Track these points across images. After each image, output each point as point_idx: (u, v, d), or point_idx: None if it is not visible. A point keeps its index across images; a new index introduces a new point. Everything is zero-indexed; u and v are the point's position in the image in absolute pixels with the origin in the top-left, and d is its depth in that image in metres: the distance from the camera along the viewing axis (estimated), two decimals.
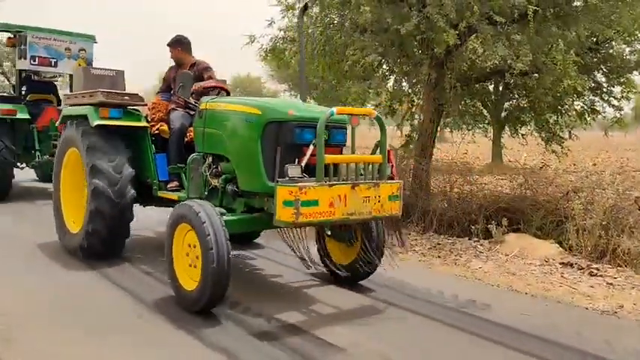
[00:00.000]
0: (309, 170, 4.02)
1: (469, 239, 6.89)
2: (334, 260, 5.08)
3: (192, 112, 5.38)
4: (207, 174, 4.82)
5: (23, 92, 9.59)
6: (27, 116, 8.99)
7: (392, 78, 8.99)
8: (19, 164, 9.42)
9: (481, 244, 6.66)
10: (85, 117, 5.50)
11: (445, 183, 8.12)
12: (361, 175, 4.25)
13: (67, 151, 5.94)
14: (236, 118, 4.55)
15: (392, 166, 4.52)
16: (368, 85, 8.20)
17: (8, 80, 19.88)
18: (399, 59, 8.28)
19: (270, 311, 4.21)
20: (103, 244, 5.40)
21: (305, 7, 5.50)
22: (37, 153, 9.18)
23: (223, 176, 4.72)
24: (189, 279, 4.11)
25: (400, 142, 8.87)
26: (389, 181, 4.32)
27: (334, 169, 4.06)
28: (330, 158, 4.01)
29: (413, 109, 8.97)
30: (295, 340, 3.69)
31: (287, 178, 3.91)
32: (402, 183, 4.49)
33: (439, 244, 6.75)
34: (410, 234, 7.15)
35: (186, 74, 5.41)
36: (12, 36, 9.58)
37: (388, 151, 4.48)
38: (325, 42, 8.18)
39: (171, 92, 5.88)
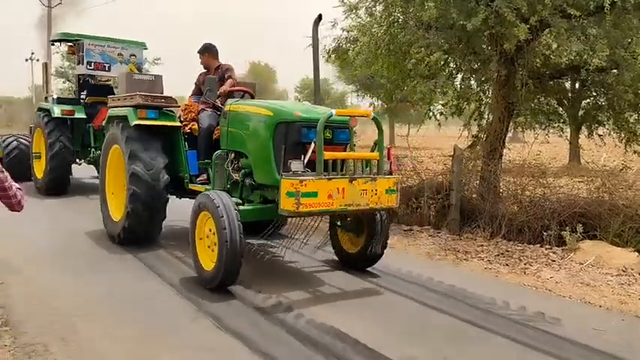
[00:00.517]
0: (326, 169, 4.47)
1: (540, 246, 6.48)
2: (344, 248, 5.60)
3: (219, 113, 5.83)
4: (230, 169, 5.34)
5: (83, 95, 10.20)
6: (84, 116, 9.77)
7: (459, 76, 8.66)
8: (77, 160, 10.20)
9: (553, 252, 6.24)
10: (125, 117, 6.12)
11: (516, 186, 7.70)
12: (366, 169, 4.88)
13: (111, 149, 6.55)
14: (253, 119, 5.12)
15: (391, 162, 4.99)
16: (434, 83, 7.92)
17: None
18: (465, 56, 7.97)
19: (285, 294, 4.67)
20: (141, 225, 5.96)
21: (319, 18, 5.73)
22: (93, 150, 9.83)
23: (242, 171, 5.24)
24: (209, 260, 4.65)
25: (467, 142, 8.52)
26: (386, 176, 4.74)
27: (341, 164, 4.64)
28: (329, 155, 4.48)
29: (481, 108, 8.60)
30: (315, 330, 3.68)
31: (290, 172, 4.36)
32: (399, 178, 5.00)
33: (507, 250, 6.38)
34: (476, 239, 6.82)
35: (212, 79, 6.06)
36: (72, 44, 10.41)
37: (388, 149, 5.03)
38: (389, 41, 7.97)
39: (202, 95, 6.27)
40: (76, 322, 3.94)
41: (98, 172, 11.77)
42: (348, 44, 8.88)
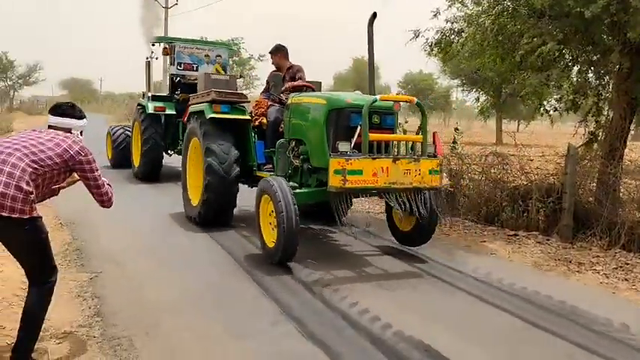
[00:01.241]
0: (372, 150, 5.01)
1: None
2: (399, 227, 6.03)
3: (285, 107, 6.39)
4: (291, 156, 5.92)
5: (177, 93, 10.89)
6: (174, 112, 10.63)
7: (575, 68, 7.94)
8: (168, 152, 11.17)
9: None
10: (202, 112, 6.88)
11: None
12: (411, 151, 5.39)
13: (191, 141, 7.31)
14: (310, 108, 5.67)
15: (436, 146, 5.44)
16: (546, 76, 7.30)
17: None
18: (583, 47, 7.27)
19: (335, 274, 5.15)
20: (214, 212, 6.69)
21: (374, 16, 5.83)
22: (181, 142, 10.35)
23: (302, 157, 5.79)
24: (271, 239, 5.23)
25: (582, 140, 7.79)
26: (429, 158, 5.21)
27: (385, 146, 5.14)
28: (373, 137, 5.02)
29: (600, 104, 7.82)
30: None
31: (338, 153, 4.89)
32: (442, 160, 5.44)
33: (627, 263, 5.70)
34: (590, 249, 6.18)
35: (277, 76, 6.99)
36: (166, 46, 11.29)
37: (433, 134, 5.58)
38: (497, 31, 7.45)
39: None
40: (163, 317, 3.97)
41: None
42: (453, 36, 8.42)
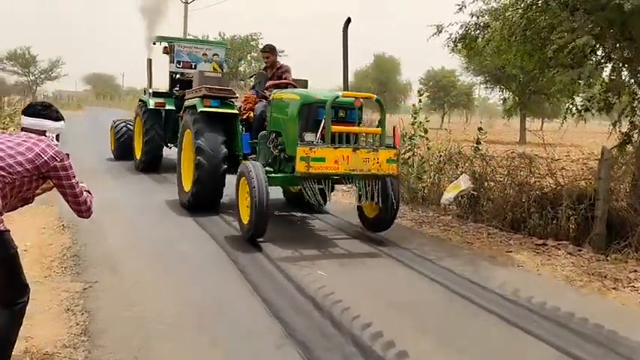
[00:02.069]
0: (334, 141, 5.67)
1: None
2: (365, 214, 6.67)
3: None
4: (271, 146, 6.54)
5: (176, 89, 11.34)
6: (173, 107, 11.06)
7: (609, 66, 7.42)
8: (168, 144, 11.53)
9: None
10: (195, 106, 7.54)
11: None
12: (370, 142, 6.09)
13: (185, 133, 7.90)
14: (287, 104, 6.38)
15: (395, 138, 6.06)
16: (577, 73, 6.80)
17: None
18: (618, 43, 6.76)
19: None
20: (204, 191, 7.22)
21: (348, 21, 6.45)
22: None
23: (279, 147, 6.43)
24: (246, 216, 5.85)
25: (613, 141, 7.28)
26: (387, 149, 5.79)
27: (355, 138, 5.91)
28: (336, 128, 5.70)
29: (634, 104, 7.30)
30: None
31: (304, 142, 5.54)
32: (399, 150, 6.21)
33: None
34: (627, 262, 5.68)
35: (262, 74, 7.85)
36: (166, 46, 11.85)
37: (393, 127, 6.31)
38: (525, 26, 6.97)
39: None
40: (155, 337, 3.61)
41: None
42: (478, 31, 7.95)
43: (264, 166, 6.24)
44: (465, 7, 7.80)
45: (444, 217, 7.89)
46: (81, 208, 3.05)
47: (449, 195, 7.71)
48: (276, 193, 8.40)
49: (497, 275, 5.19)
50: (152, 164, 11.12)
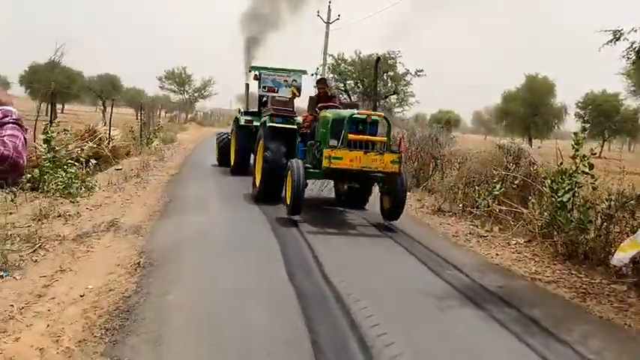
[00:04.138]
0: (350, 145, 7.93)
1: None
2: (383, 205, 8.54)
3: None
4: (315, 151, 8.57)
5: (262, 109, 12.65)
6: (259, 124, 12.00)
7: None
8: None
9: None
10: (265, 122, 9.76)
11: None
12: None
13: (259, 142, 9.95)
14: (325, 120, 8.53)
15: (400, 146, 8.24)
16: None
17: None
18: None
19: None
20: (269, 187, 9.25)
21: (378, 60, 10.83)
22: None
23: (319, 151, 8.22)
24: (289, 198, 8.03)
25: None
26: (392, 153, 7.90)
27: (372, 145, 8.07)
28: (352, 137, 7.97)
29: None
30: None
31: (329, 146, 7.98)
32: (402, 155, 8.01)
33: None
34: None
35: (312, 99, 10.04)
36: (256, 74, 14.12)
37: (400, 138, 9.73)
38: None
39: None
40: None
41: None
42: None
43: (308, 164, 8.55)
44: None
45: (617, 285, 5.88)
46: None
47: (624, 254, 5.73)
48: (329, 192, 10.66)
49: None
50: (243, 168, 13.31)
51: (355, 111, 8.24)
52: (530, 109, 46.68)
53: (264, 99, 13.39)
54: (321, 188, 10.50)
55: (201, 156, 18.42)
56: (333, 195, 10.47)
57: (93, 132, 14.40)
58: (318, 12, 33.84)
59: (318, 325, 4.24)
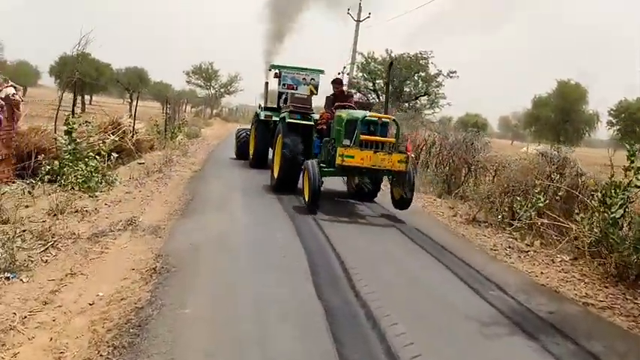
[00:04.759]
0: (362, 145, 8.56)
1: None
2: (394, 196, 9.41)
3: None
4: (329, 148, 9.15)
5: (282, 106, 13.45)
6: (277, 119, 12.65)
7: None
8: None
9: None
10: (284, 118, 10.42)
11: None
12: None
13: (278, 136, 10.60)
14: (340, 119, 9.20)
15: (407, 146, 9.01)
16: None
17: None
18: None
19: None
20: (286, 178, 10.07)
21: (391, 64, 12.33)
22: None
23: (333, 149, 8.95)
24: (307, 195, 8.75)
25: None
26: (399, 153, 8.62)
27: (382, 145, 8.67)
28: (363, 137, 8.55)
29: None
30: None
31: (342, 145, 8.61)
32: (408, 155, 8.69)
33: None
34: None
35: (328, 98, 10.45)
36: (277, 72, 14.81)
37: (408, 139, 11.27)
38: None
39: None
40: None
41: None
42: None
43: (323, 163, 9.15)
44: None
45: None
46: None
47: None
48: (342, 186, 11.63)
49: None
50: (261, 161, 14.03)
51: (368, 113, 8.92)
52: (561, 115, 45.51)
53: (284, 96, 14.13)
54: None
55: (224, 152, 18.50)
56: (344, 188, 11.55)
57: (117, 125, 14.15)
58: (348, 10, 33.44)
59: (347, 348, 3.76)
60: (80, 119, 9.77)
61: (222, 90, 60.52)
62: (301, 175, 9.24)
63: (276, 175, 10.30)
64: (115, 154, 10.38)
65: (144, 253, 5.68)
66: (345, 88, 11.00)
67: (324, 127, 9.90)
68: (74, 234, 6.10)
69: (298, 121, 10.17)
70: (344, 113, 9.12)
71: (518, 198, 8.19)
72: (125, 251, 5.71)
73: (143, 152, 15.48)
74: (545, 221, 7.64)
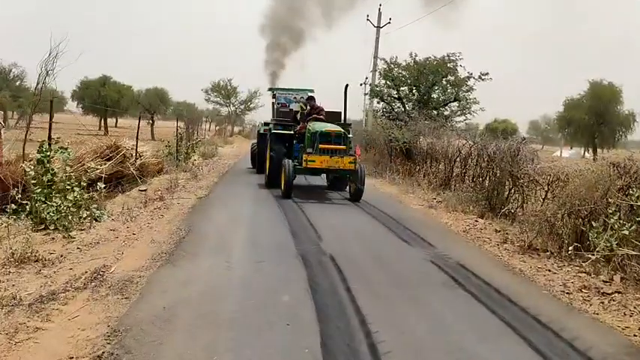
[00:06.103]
0: (323, 152, 11.87)
1: None
2: (350, 190, 12.52)
3: None
4: (303, 153, 12.20)
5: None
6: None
7: None
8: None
9: None
10: (271, 129, 14.51)
11: None
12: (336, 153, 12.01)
13: (268, 144, 14.23)
14: (308, 130, 12.39)
15: (356, 151, 12.67)
16: None
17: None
18: None
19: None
20: (272, 176, 13.30)
21: (347, 87, 13.99)
22: None
23: (305, 153, 12.12)
24: (283, 186, 12.00)
25: None
26: (349, 156, 11.89)
27: (327, 150, 11.89)
28: (322, 146, 11.82)
29: None
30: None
31: (307, 151, 12.07)
32: (355, 157, 11.98)
33: None
34: None
35: (302, 113, 13.86)
36: (273, 93, 18.24)
37: (356, 146, 13.86)
38: None
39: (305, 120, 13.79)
40: None
41: None
42: None
43: (296, 163, 12.19)
44: None
45: None
46: None
47: None
48: (322, 181, 14.78)
49: None
50: (262, 167, 15.86)
51: (326, 126, 12.21)
52: (595, 117, 43.08)
53: (279, 112, 17.05)
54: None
55: (237, 174, 18.38)
56: (324, 182, 14.78)
57: (115, 148, 12.83)
58: (367, 16, 32.01)
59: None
60: (56, 145, 8.33)
61: (242, 107, 59.49)
62: (281, 172, 12.18)
63: (266, 174, 14.01)
64: (100, 184, 8.91)
65: (96, 327, 4.16)
66: (316, 103, 13.77)
67: (301, 135, 13.14)
68: (14, 298, 4.65)
69: (280, 132, 13.98)
70: (311, 126, 12.40)
71: (594, 223, 6.42)
72: (71, 325, 4.21)
73: (149, 177, 14.16)
74: (632, 252, 5.90)
